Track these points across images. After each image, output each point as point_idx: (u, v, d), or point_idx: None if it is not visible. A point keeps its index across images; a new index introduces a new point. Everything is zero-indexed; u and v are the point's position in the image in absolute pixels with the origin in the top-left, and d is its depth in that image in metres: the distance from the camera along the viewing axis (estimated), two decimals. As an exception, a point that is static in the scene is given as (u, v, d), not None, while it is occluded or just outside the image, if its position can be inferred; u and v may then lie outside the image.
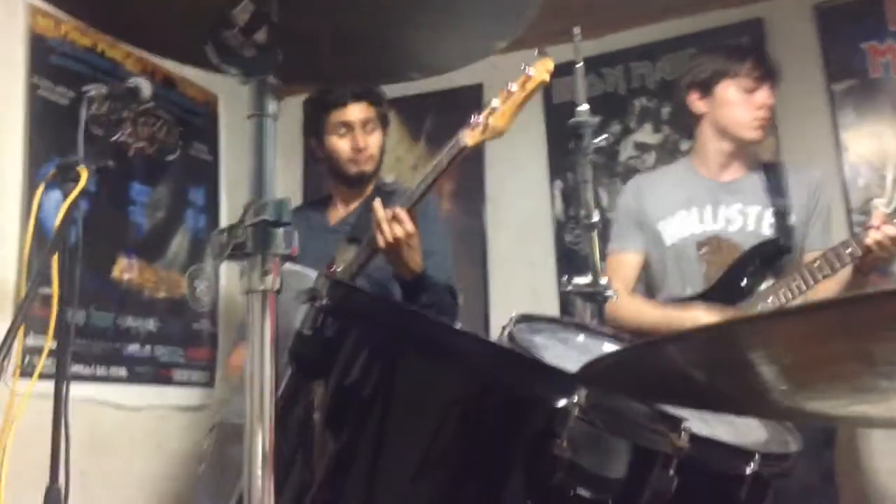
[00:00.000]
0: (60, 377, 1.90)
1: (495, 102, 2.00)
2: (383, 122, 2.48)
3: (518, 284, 3.37)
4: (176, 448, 3.23)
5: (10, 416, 1.78)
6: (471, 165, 3.50)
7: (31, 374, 2.79)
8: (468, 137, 2.02)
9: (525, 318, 1.25)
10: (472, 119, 2.01)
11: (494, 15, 0.95)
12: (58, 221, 1.92)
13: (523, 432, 0.95)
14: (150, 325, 3.26)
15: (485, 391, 0.98)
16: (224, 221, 3.70)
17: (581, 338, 1.40)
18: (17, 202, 2.89)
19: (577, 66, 1.75)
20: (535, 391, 0.95)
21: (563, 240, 3.35)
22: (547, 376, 0.97)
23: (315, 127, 2.46)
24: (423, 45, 0.98)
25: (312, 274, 1.19)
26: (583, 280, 1.59)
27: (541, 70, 1.93)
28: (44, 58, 3.02)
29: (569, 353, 1.31)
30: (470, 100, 3.13)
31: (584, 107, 1.71)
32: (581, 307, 1.63)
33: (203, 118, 3.64)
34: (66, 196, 2.01)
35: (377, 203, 2.07)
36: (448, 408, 0.95)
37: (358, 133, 2.39)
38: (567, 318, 1.90)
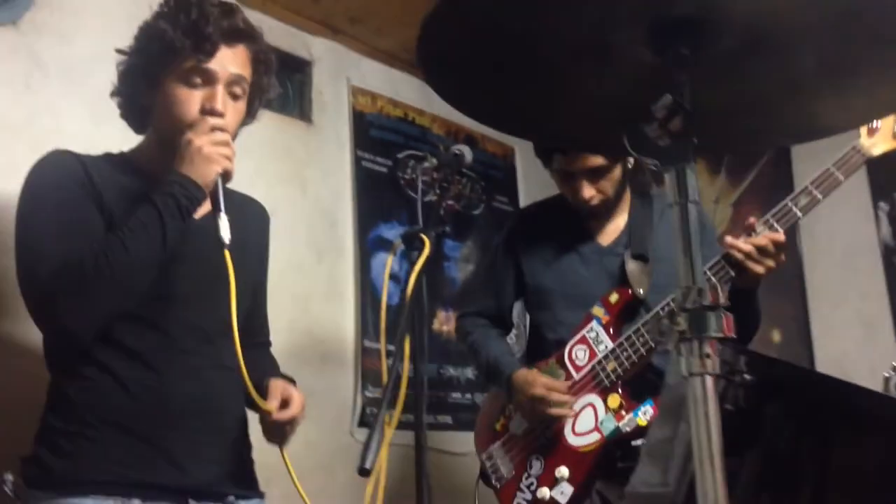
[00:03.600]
0: (419, 427, 2.03)
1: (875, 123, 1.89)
2: (613, 167, 2.19)
3: (845, 317, 3.15)
4: (500, 490, 3.35)
5: (378, 466, 1.93)
6: (778, 192, 3.34)
7: (366, 425, 3.06)
8: (870, 146, 1.87)
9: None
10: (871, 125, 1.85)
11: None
12: (410, 286, 2.08)
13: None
14: (469, 373, 3.43)
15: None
16: (528, 268, 3.83)
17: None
18: (351, 263, 3.18)
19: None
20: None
21: (895, 266, 3.09)
22: None
23: (546, 166, 2.27)
24: (827, 107, 0.97)
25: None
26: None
27: None
28: (364, 132, 3.32)
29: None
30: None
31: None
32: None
33: (502, 171, 3.81)
34: (410, 262, 2.17)
35: (731, 242, 1.93)
36: (887, 476, 0.91)
37: (581, 183, 2.16)
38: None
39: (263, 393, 1.65)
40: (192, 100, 1.59)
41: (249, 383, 1.51)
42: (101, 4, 2.59)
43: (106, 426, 1.52)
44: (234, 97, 1.64)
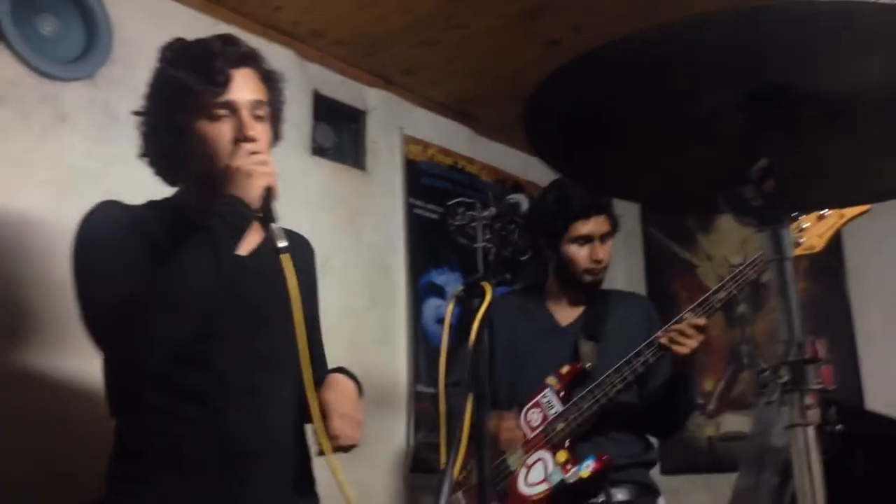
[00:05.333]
0: (482, 473, 2.05)
1: (805, 223, 2.10)
2: (614, 233, 2.51)
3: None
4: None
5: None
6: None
7: (419, 469, 3.09)
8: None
9: None
10: None
11: None
12: (473, 333, 2.13)
13: None
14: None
15: None
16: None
17: None
18: (404, 309, 3.24)
19: None
20: None
21: (944, 312, 3.10)
22: None
23: (552, 230, 2.47)
24: (891, 173, 1.02)
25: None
26: None
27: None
28: (416, 179, 3.40)
29: None
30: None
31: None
32: None
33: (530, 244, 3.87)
34: (473, 308, 2.22)
35: (661, 335, 2.19)
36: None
37: (597, 245, 2.43)
38: None
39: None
40: (221, 133, 1.60)
41: (308, 373, 1.52)
42: (172, 60, 2.70)
43: (167, 469, 1.53)
44: (259, 119, 1.64)
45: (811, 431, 0.88)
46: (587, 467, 2.20)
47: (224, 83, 1.59)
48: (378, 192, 3.28)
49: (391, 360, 3.14)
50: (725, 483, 3.31)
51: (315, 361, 1.62)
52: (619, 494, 2.24)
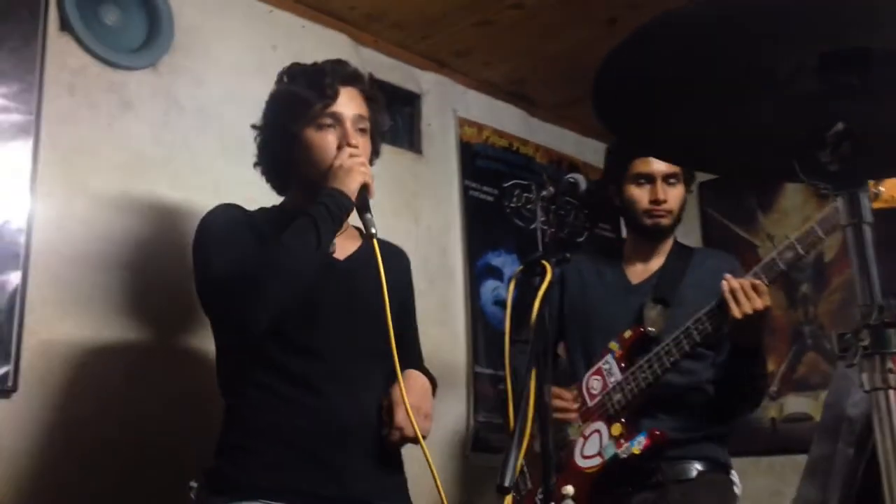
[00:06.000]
0: (546, 450, 2.05)
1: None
2: (687, 179, 2.39)
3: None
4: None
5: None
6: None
7: (480, 448, 3.11)
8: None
9: None
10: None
11: None
12: (534, 312, 2.13)
13: None
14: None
15: None
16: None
17: None
18: (461, 290, 3.26)
19: None
20: None
21: None
22: None
23: (616, 175, 2.42)
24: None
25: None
26: None
27: None
28: (471, 162, 3.40)
29: None
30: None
31: None
32: None
33: (604, 198, 3.83)
34: (532, 287, 2.22)
35: (728, 276, 2.04)
36: None
37: (659, 185, 2.32)
38: None
39: None
40: (327, 140, 1.81)
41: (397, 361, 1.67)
42: (231, 48, 2.75)
43: (272, 442, 1.69)
44: (361, 132, 1.85)
45: (893, 395, 0.87)
46: (639, 443, 2.12)
47: (332, 96, 1.81)
48: (434, 174, 3.30)
49: (450, 342, 3.16)
50: (788, 465, 3.30)
51: (406, 354, 1.82)
52: (687, 470, 2.15)
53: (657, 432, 2.12)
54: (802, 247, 2.02)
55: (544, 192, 2.23)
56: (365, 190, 1.76)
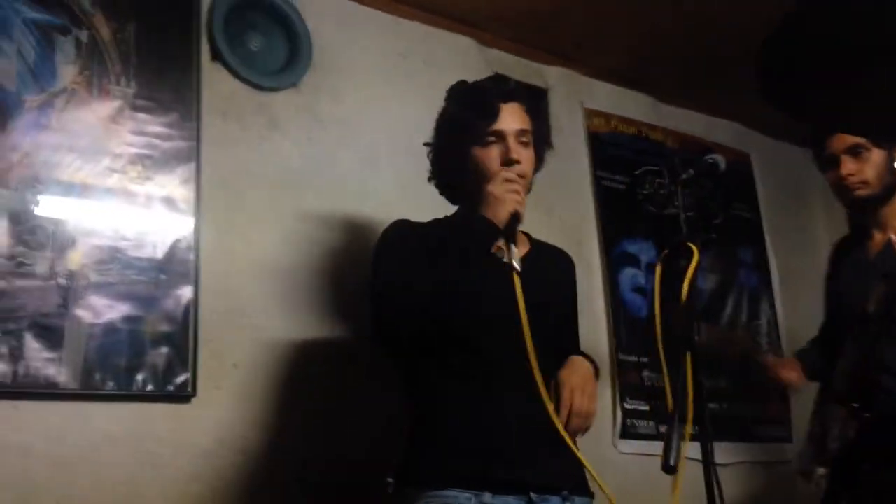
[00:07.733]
0: (705, 439, 2.05)
1: None
2: (877, 147, 2.33)
3: None
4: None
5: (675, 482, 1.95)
6: None
7: (629, 436, 3.12)
8: None
9: None
10: None
11: None
12: (684, 295, 2.12)
13: None
14: (722, 382, 3.40)
15: None
16: (775, 276, 3.76)
17: None
18: (600, 280, 3.27)
19: None
20: None
21: None
22: None
23: (818, 162, 2.45)
24: None
25: None
26: None
27: None
28: (601, 151, 3.41)
29: None
30: None
31: None
32: None
33: (739, 178, 3.77)
34: (680, 271, 2.22)
35: None
36: None
37: (846, 161, 2.33)
38: None
39: None
40: (490, 156, 1.91)
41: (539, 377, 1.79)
42: (368, 66, 2.87)
43: (457, 436, 1.83)
44: (524, 145, 1.93)
45: None
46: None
47: (494, 115, 1.90)
48: (565, 167, 3.32)
49: (592, 331, 3.17)
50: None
51: (569, 344, 2.06)
52: None
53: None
54: None
55: (684, 176, 2.23)
56: (515, 218, 1.84)
